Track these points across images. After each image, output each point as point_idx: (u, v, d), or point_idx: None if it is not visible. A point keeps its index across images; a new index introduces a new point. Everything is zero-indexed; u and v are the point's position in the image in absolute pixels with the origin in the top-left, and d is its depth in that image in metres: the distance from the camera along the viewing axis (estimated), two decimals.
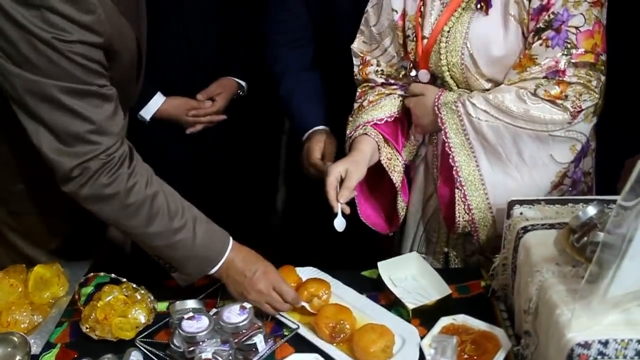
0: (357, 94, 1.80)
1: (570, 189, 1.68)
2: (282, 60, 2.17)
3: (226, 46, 2.38)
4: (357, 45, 1.80)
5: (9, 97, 1.30)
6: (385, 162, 1.69)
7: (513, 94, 1.49)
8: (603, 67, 1.48)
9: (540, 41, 1.47)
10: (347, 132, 1.74)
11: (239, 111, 2.48)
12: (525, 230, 1.39)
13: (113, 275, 1.50)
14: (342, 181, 1.58)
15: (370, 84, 1.77)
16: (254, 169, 2.69)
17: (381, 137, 1.69)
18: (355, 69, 1.80)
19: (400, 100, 1.73)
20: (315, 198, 2.29)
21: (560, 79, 1.46)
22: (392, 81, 1.74)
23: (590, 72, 1.46)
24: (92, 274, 1.53)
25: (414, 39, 1.64)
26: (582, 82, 1.46)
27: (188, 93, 2.33)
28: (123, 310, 1.44)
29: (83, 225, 1.64)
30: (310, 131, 2.04)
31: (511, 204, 1.47)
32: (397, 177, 1.71)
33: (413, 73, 1.67)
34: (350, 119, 1.76)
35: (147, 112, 2.26)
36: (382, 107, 1.71)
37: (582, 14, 1.44)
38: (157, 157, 2.29)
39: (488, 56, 1.55)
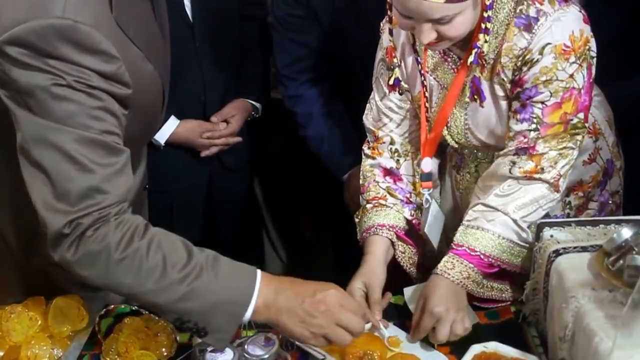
0: (363, 179, 1.71)
1: (597, 212, 1.66)
2: (304, 99, 2.19)
3: (239, 67, 2.38)
4: (366, 120, 1.74)
5: (18, 146, 1.21)
6: (400, 257, 1.64)
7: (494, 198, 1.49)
8: (574, 129, 1.46)
9: (511, 114, 1.47)
10: (358, 232, 1.67)
11: (253, 132, 2.47)
12: (557, 253, 1.35)
13: (134, 307, 1.46)
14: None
15: (375, 174, 1.69)
16: (271, 191, 2.68)
17: (393, 234, 1.62)
18: (366, 146, 1.73)
19: (403, 215, 1.65)
20: (337, 218, 2.29)
21: (532, 153, 1.46)
22: (396, 187, 1.67)
23: (561, 138, 1.45)
24: (112, 305, 1.49)
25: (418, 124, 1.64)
26: (555, 149, 1.45)
27: (202, 116, 2.32)
28: (144, 342, 1.41)
29: None
30: (352, 171, 2.12)
31: (540, 227, 1.43)
32: (412, 268, 1.66)
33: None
34: (357, 219, 1.70)
35: (162, 136, 2.25)
36: (387, 215, 1.63)
37: (549, 90, 1.42)
38: (173, 181, 2.31)
39: (492, 134, 1.55)
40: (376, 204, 1.65)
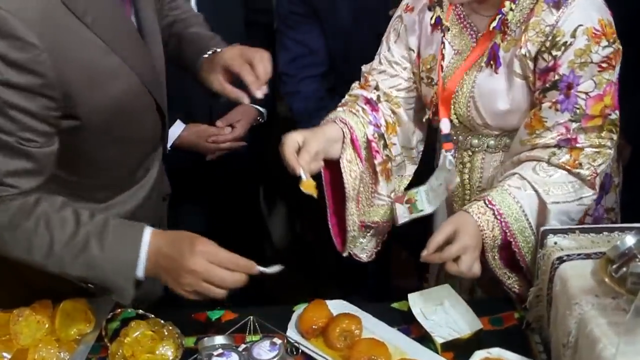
0: (343, 102, 1.74)
1: None
2: (301, 95, 2.21)
3: None
4: (365, 66, 1.77)
5: None
6: (344, 164, 1.62)
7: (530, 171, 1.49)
8: (612, 126, 1.48)
9: (549, 104, 1.47)
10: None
11: (258, 137, 2.48)
12: (561, 260, 1.36)
13: (140, 310, 1.47)
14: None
15: (357, 98, 1.72)
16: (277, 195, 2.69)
17: (349, 133, 1.62)
18: (355, 84, 1.77)
19: (365, 131, 1.65)
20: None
21: (572, 146, 1.47)
22: (371, 112, 1.68)
23: (601, 134, 1.47)
24: (118, 309, 1.51)
25: (432, 84, 1.65)
26: (594, 145, 1.47)
27: (208, 120, 2.34)
28: (150, 346, 1.42)
29: None
30: None
31: (544, 233, 1.44)
32: (350, 183, 1.63)
33: (442, 126, 1.64)
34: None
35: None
36: (351, 117, 1.64)
37: (592, 79, 1.44)
38: (178, 184, 2.32)
39: (493, 110, 1.57)
40: (346, 109, 1.67)
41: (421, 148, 1.78)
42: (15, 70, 1.23)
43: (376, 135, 1.66)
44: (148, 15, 1.52)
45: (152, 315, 1.47)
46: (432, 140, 1.82)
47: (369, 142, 1.65)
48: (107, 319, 1.50)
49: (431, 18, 1.62)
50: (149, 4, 1.53)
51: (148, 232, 1.36)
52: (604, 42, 1.43)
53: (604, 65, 1.44)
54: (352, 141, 1.63)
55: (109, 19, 1.37)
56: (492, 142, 1.63)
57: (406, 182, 1.76)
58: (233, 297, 1.43)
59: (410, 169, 1.77)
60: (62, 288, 1.55)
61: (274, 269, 1.37)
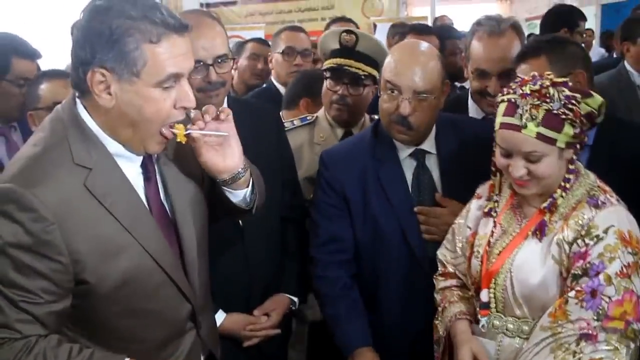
0: (438, 298, 1.99)
1: None
2: (330, 281, 2.35)
3: (281, 264, 2.55)
4: (442, 252, 2.01)
5: None
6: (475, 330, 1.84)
7: None
8: (632, 335, 1.64)
9: (576, 300, 1.66)
10: (440, 331, 1.91)
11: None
12: None
13: None
14: None
15: (448, 289, 1.96)
16: None
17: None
18: (438, 276, 2.01)
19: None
20: None
21: (594, 342, 1.63)
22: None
23: (621, 339, 1.63)
24: None
25: (480, 257, 1.86)
26: (611, 349, 1.62)
27: (245, 306, 2.47)
28: None
29: None
30: (356, 350, 2.23)
31: None
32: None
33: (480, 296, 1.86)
34: (437, 321, 1.94)
35: None
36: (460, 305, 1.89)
37: (613, 284, 1.64)
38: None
39: (525, 283, 1.76)
40: (452, 300, 1.91)
41: None
42: (29, 237, 1.48)
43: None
44: (181, 200, 1.74)
45: None
46: None
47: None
48: None
49: (485, 207, 1.88)
50: (184, 191, 1.75)
51: None
52: (630, 250, 1.65)
53: (624, 271, 1.64)
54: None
55: (127, 203, 1.60)
56: (511, 326, 1.80)
57: None
58: None
59: None
60: None
61: None
